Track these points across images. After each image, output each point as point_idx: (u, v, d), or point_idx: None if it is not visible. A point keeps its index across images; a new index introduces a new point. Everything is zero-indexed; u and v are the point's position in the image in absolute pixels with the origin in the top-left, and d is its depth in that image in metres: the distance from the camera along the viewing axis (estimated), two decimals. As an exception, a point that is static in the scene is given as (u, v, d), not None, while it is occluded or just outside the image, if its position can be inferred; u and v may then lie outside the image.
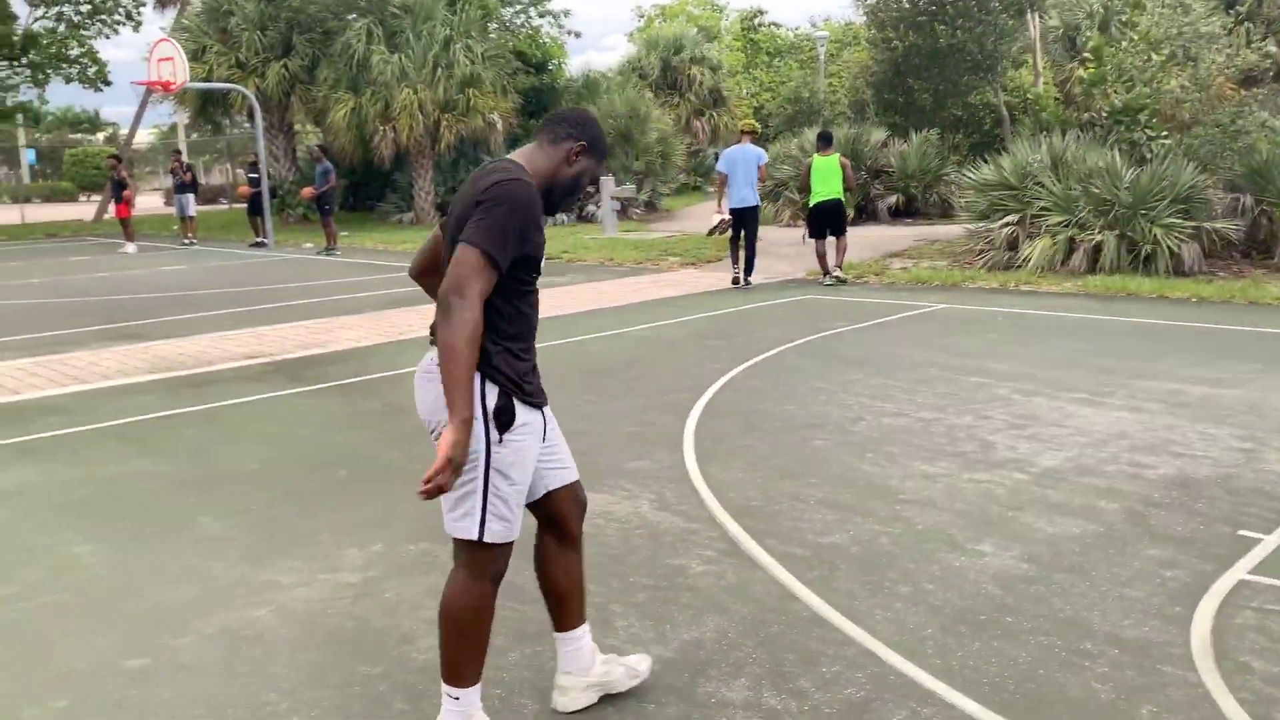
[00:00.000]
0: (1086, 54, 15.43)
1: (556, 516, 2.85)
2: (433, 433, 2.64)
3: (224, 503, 4.79)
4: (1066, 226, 12.40)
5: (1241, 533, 4.12)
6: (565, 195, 2.72)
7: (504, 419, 2.56)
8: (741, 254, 12.29)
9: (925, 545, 4.08)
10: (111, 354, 8.71)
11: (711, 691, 3.00)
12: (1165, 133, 13.67)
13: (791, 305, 10.80)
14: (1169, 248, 11.63)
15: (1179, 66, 14.22)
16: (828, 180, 12.15)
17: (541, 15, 28.69)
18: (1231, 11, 17.53)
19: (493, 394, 2.55)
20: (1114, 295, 10.74)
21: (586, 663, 2.93)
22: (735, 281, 12.28)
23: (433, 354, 2.62)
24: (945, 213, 19.67)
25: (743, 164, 12.03)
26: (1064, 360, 7.53)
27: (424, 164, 23.91)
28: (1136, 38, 14.84)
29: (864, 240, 15.75)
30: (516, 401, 2.59)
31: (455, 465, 2.37)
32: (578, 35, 43.60)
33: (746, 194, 12.07)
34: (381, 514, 4.59)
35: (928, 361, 7.61)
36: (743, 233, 12.23)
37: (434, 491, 2.36)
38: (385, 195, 25.65)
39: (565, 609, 2.92)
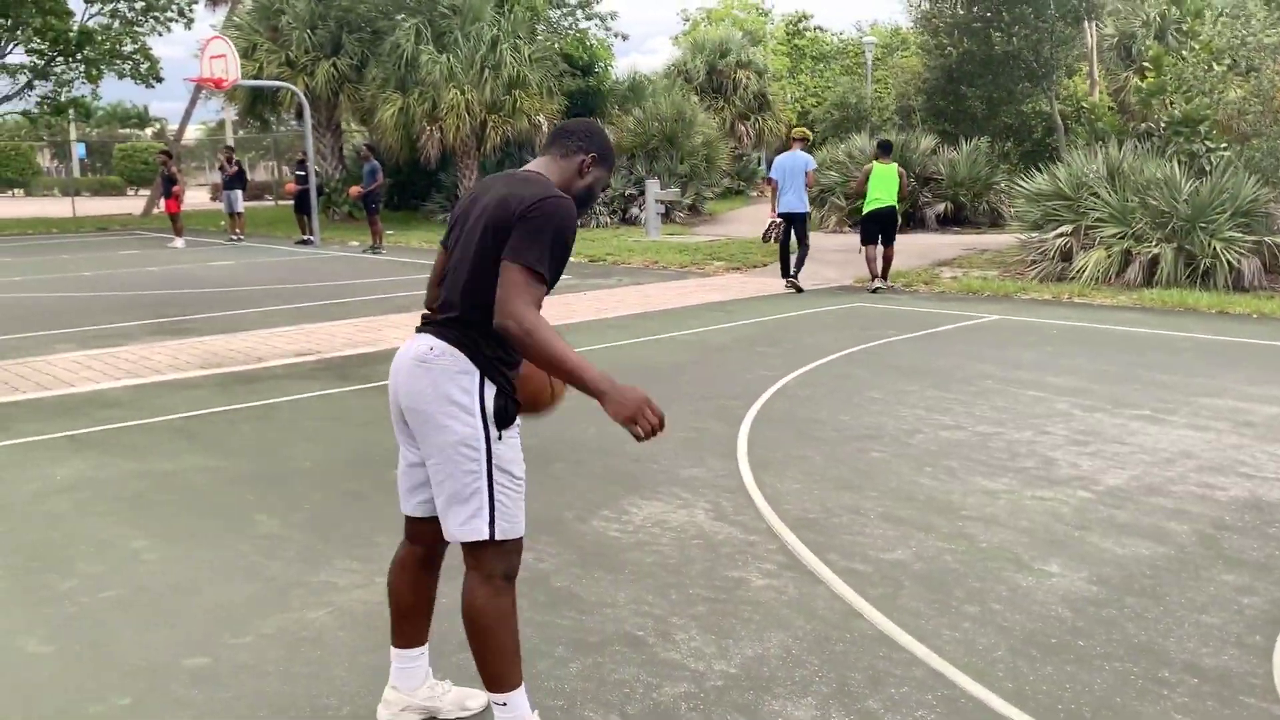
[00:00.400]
0: (1146, 63, 15.16)
1: (437, 537, 2.74)
2: (414, 423, 2.60)
3: (279, 500, 4.79)
4: (1122, 238, 12.18)
5: (1320, 559, 3.99)
6: (580, 205, 2.72)
7: (504, 417, 2.57)
8: (792, 259, 12.44)
9: (991, 564, 3.99)
10: (163, 348, 8.79)
11: (778, 710, 2.94)
12: (1225, 144, 13.39)
13: (841, 312, 10.69)
14: (1228, 262, 11.39)
15: (1241, 77, 13.93)
16: (885, 188, 12.11)
17: (589, 18, 28.75)
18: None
19: (491, 392, 2.56)
20: (1171, 309, 10.53)
21: (414, 684, 2.86)
22: (795, 289, 12.30)
23: (425, 343, 2.59)
24: (994, 222, 19.45)
25: (791, 171, 12.17)
26: (1123, 375, 7.38)
27: (469, 164, 24.00)
28: (1198, 47, 14.55)
29: (912, 248, 15.59)
30: (513, 403, 2.62)
31: (637, 411, 2.36)
32: (625, 38, 43.48)
33: (795, 200, 12.23)
34: (435, 516, 4.55)
35: (983, 374, 7.48)
36: (793, 238, 12.42)
37: (655, 432, 2.40)
38: (430, 195, 25.78)
39: (408, 626, 2.84)
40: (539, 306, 2.43)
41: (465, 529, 2.57)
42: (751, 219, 23.01)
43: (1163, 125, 14.12)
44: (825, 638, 3.39)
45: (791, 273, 12.42)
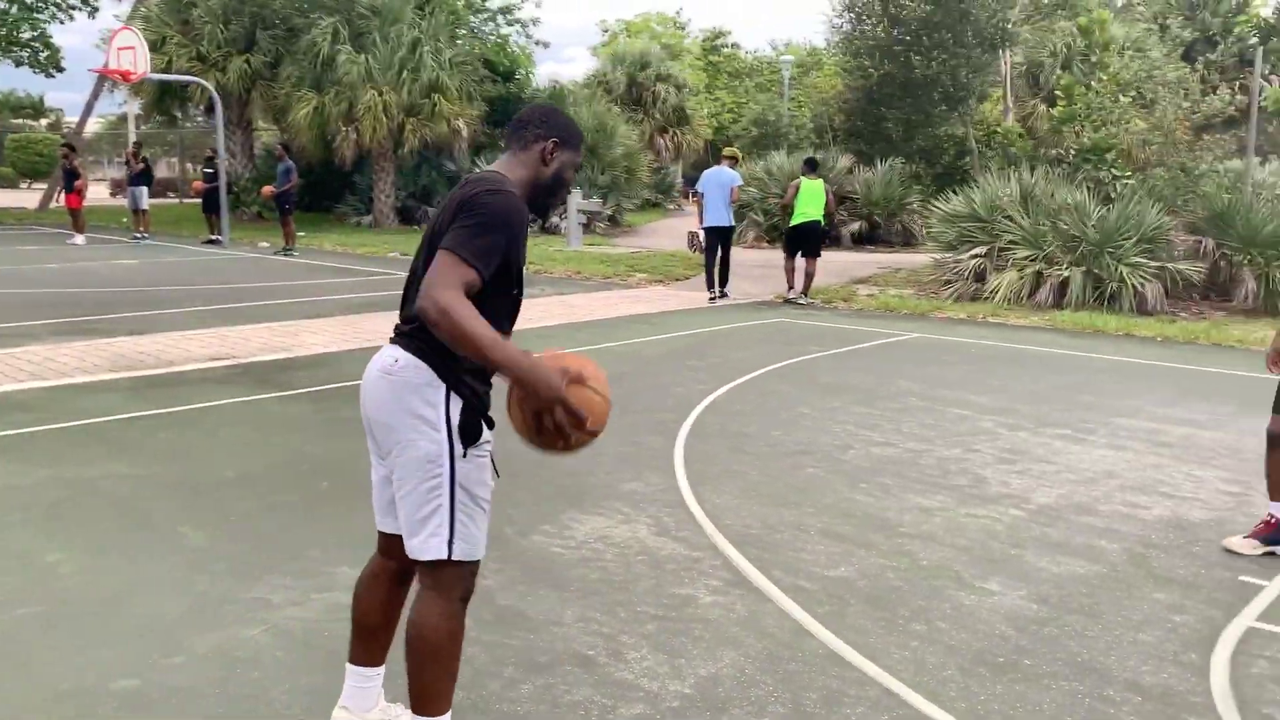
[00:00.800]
0: (1058, 92, 15.69)
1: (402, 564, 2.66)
2: (379, 435, 2.53)
3: (204, 512, 4.59)
4: (1034, 261, 12.55)
5: (1242, 578, 4.13)
6: (551, 195, 2.65)
7: (469, 433, 2.49)
8: (717, 271, 12.68)
9: (933, 581, 4.03)
10: (69, 349, 8.41)
11: (737, 731, 2.91)
12: (1130, 173, 13.92)
13: (765, 327, 10.77)
14: (1134, 286, 11.82)
15: (1145, 109, 14.52)
16: (812, 203, 12.42)
17: (510, 24, 28.59)
18: (1198, 60, 17.97)
19: (457, 407, 2.47)
20: (1082, 331, 10.87)
21: (367, 705, 2.77)
22: (711, 299, 12.60)
23: (390, 354, 2.51)
24: (908, 241, 19.88)
25: (716, 186, 12.44)
26: (1042, 395, 7.57)
27: (386, 167, 23.63)
28: (1106, 79, 15.12)
29: (829, 265, 15.79)
30: (481, 418, 2.53)
31: (546, 404, 2.33)
32: (546, 45, 43.36)
33: (720, 214, 12.51)
34: (370, 530, 4.40)
35: (907, 391, 7.60)
36: (718, 251, 12.65)
37: (581, 439, 2.43)
38: (344, 197, 25.28)
39: (371, 643, 2.75)
40: (465, 289, 2.30)
41: (424, 547, 2.49)
42: (670, 232, 23.11)
43: (1072, 153, 14.61)
44: (777, 657, 3.37)
45: (716, 290, 12.65)
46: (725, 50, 49.54)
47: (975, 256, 13.16)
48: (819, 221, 12.49)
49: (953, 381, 8.01)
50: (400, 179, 24.08)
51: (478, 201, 2.40)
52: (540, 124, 2.62)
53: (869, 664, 3.32)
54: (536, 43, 30.59)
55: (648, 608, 3.73)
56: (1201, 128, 17.34)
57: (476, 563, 2.57)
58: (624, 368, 8.28)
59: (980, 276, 13.02)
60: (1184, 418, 6.93)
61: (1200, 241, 12.70)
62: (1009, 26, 18.28)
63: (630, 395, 7.27)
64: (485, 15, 28.07)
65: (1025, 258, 12.63)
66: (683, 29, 51.61)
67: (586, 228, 21.27)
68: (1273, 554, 4.35)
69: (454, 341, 2.29)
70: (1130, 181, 13.79)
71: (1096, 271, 12.13)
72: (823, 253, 13.03)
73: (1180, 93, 14.96)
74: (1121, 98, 14.55)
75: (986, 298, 12.57)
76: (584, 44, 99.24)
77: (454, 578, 2.52)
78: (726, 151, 13.55)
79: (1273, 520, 4.39)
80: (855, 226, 20.21)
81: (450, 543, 2.48)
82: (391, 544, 2.67)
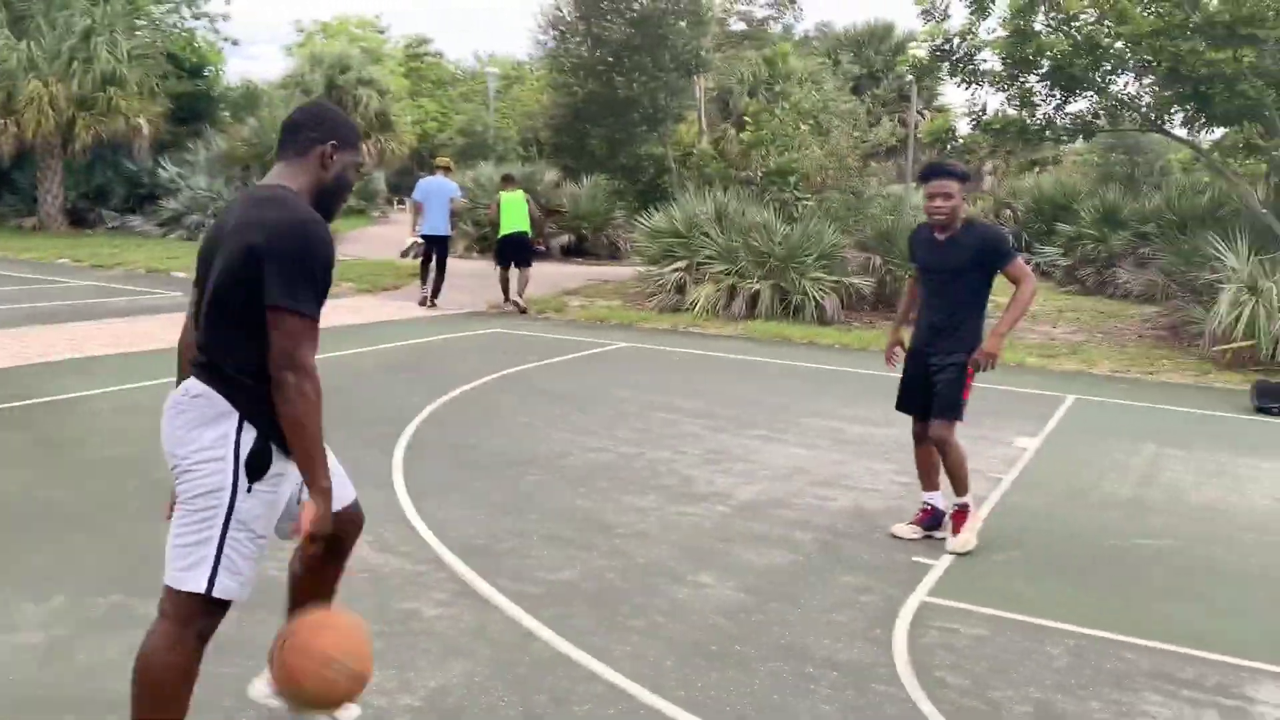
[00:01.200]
0: (747, 117, 16.82)
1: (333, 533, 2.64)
2: (174, 469, 2.42)
3: None
4: (729, 275, 13.36)
5: (914, 559, 4.64)
6: (335, 199, 2.59)
7: (257, 466, 2.40)
8: (431, 277, 12.86)
9: (650, 579, 4.23)
10: None
11: (471, 739, 2.94)
12: (809, 195, 15.15)
13: (481, 338, 10.80)
14: (815, 298, 12.88)
15: (822, 137, 15.86)
16: (515, 214, 12.74)
17: (196, 17, 26.82)
18: (865, 94, 19.84)
19: (249, 437, 2.39)
20: (772, 340, 11.70)
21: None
22: (422, 302, 12.77)
23: (184, 386, 2.44)
24: (613, 254, 20.54)
25: (436, 196, 12.70)
26: (740, 398, 8.10)
27: (53, 165, 21.50)
28: (788, 107, 16.38)
29: (540, 277, 16.02)
30: (274, 449, 2.43)
31: (321, 539, 2.40)
32: (235, 42, 40.91)
33: (439, 223, 12.69)
34: (56, 563, 4.06)
35: (620, 398, 7.90)
36: (434, 258, 12.82)
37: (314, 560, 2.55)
38: (1, 196, 22.74)
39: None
40: (314, 354, 2.37)
41: (183, 577, 2.36)
42: (376, 239, 22.57)
43: (760, 175, 15.70)
44: (506, 662, 3.43)
45: (429, 298, 12.75)
46: (428, 58, 49.03)
47: (676, 270, 13.84)
48: (525, 232, 12.85)
49: (659, 388, 8.40)
50: (71, 177, 21.98)
51: (292, 241, 2.32)
52: (315, 126, 2.53)
53: (594, 661, 3.46)
54: (225, 39, 28.84)
55: (372, 624, 3.65)
56: (869, 155, 19.16)
57: (229, 603, 2.45)
58: (337, 381, 8.00)
59: (681, 289, 13.69)
60: (862, 417, 7.65)
61: (870, 258, 14.04)
62: (703, 53, 19.38)
63: (345, 410, 7.06)
64: (168, 6, 26.14)
65: (721, 272, 13.42)
66: (383, 34, 50.50)
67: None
68: (931, 537, 4.92)
69: (293, 418, 2.31)
70: (810, 203, 15.01)
71: (783, 285, 13.10)
72: (533, 263, 13.32)
73: (851, 123, 16.45)
74: (801, 125, 15.81)
75: (687, 309, 13.24)
76: (274, 42, 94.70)
77: (203, 613, 2.42)
78: (441, 161, 13.58)
79: (929, 509, 4.98)
80: (565, 239, 20.65)
81: (213, 579, 2.37)
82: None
